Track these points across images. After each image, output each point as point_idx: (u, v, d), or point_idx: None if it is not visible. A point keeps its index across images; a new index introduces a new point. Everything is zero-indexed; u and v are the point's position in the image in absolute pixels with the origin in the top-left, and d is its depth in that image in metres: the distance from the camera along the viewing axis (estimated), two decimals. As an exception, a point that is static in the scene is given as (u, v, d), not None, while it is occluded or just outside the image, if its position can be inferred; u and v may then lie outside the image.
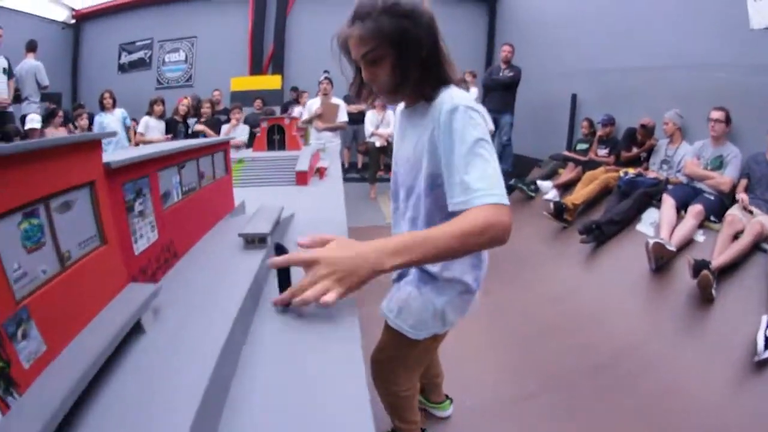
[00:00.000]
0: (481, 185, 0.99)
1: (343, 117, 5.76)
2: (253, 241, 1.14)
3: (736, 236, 3.14)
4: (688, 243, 3.46)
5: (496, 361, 2.83)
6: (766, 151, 3.53)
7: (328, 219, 1.68)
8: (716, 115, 3.81)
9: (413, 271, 1.39)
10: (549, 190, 5.40)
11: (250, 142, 4.99)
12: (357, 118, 6.81)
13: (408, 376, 1.62)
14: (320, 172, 2.82)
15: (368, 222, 5.27)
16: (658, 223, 3.75)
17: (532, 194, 5.64)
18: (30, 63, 6.29)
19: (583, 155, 5.59)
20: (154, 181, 0.93)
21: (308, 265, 0.89)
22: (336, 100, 5.71)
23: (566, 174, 5.48)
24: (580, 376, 2.65)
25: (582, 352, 2.88)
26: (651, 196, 4.10)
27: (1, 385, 0.51)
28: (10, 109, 5.88)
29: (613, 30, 5.72)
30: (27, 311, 0.56)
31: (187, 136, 6.36)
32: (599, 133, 5.53)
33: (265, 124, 3.25)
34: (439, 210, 1.18)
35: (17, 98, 6.12)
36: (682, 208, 3.71)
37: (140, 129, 6.06)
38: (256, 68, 9.70)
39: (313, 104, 5.80)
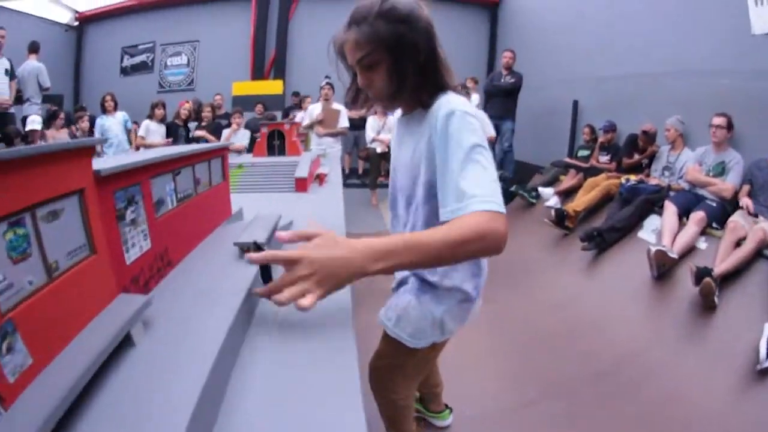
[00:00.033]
0: (477, 192, 0.95)
1: (344, 123, 5.75)
2: (248, 250, 1.12)
3: (738, 243, 3.12)
4: (690, 250, 3.43)
5: (497, 369, 2.81)
6: (769, 157, 3.51)
7: (327, 227, 1.65)
8: (718, 121, 3.79)
9: (412, 280, 1.37)
10: (550, 197, 5.38)
11: (251, 147, 4.99)
12: (358, 124, 6.80)
13: (406, 385, 1.60)
14: (320, 179, 2.81)
15: (369, 228, 5.24)
16: (659, 230, 3.72)
17: (534, 201, 5.62)
18: (32, 64, 6.31)
19: (585, 162, 5.57)
20: (147, 189, 0.91)
21: (288, 264, 0.84)
22: (337, 106, 5.69)
23: (567, 181, 5.46)
24: (581, 384, 2.63)
25: (583, 360, 2.86)
26: (653, 203, 4.08)
27: (-14, 400, 0.49)
28: (12, 110, 5.90)
29: (615, 36, 5.72)
30: (12, 324, 0.55)
31: (187, 140, 6.36)
32: (601, 139, 5.51)
33: (265, 130, 3.24)
34: (437, 218, 1.16)
35: (19, 99, 6.13)
36: (684, 214, 3.69)
37: (141, 132, 6.06)
38: (258, 73, 9.72)
39: (314, 110, 5.79)
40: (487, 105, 6.73)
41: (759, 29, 3.80)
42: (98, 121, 6.17)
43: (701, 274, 2.91)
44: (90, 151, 0.72)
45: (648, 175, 4.70)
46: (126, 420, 0.59)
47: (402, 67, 1.09)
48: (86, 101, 8.87)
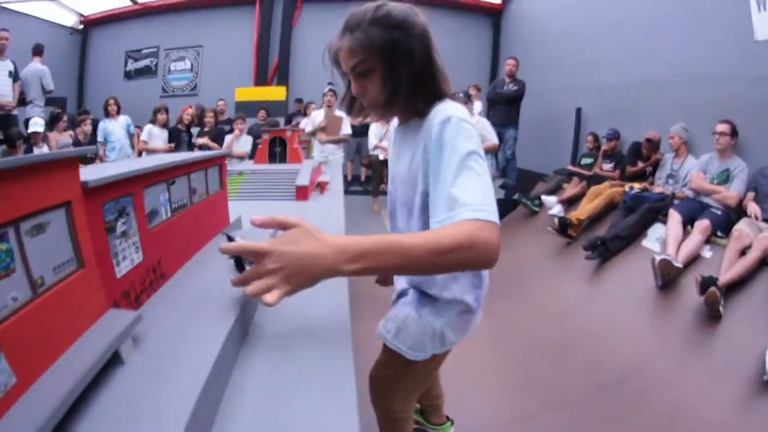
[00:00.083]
0: (469, 200, 0.90)
1: (346, 129, 5.74)
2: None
3: (743, 252, 3.09)
4: (694, 259, 3.41)
5: (499, 380, 2.78)
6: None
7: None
8: (721, 128, 3.77)
9: (411, 292, 1.35)
10: (553, 205, 5.35)
11: (254, 153, 4.98)
12: (360, 131, 6.80)
13: (406, 396, 1.57)
14: (321, 187, 2.79)
15: (371, 235, 5.23)
16: (664, 239, 3.70)
17: (537, 209, 5.59)
18: (35, 67, 6.33)
19: (588, 170, 5.54)
20: (139, 200, 0.89)
21: (257, 256, 0.78)
22: (340, 113, 5.68)
23: (571, 189, 5.43)
24: (584, 395, 2.60)
25: (587, 370, 2.83)
26: (657, 212, 4.05)
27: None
28: (15, 112, 5.92)
29: (618, 44, 5.71)
30: (-5, 342, 0.52)
31: (190, 145, 6.36)
32: (604, 147, 5.49)
33: (266, 136, 3.23)
34: None
35: (22, 102, 6.16)
36: (688, 223, 3.66)
37: (143, 137, 6.07)
38: (261, 79, 9.75)
39: (316, 116, 5.79)
40: (489, 112, 6.72)
41: (762, 35, 3.79)
42: (101, 125, 6.18)
43: (706, 283, 2.89)
44: (77, 162, 0.70)
45: (652, 183, 4.67)
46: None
47: (396, 75, 1.07)
48: (90, 104, 8.92)
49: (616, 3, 5.84)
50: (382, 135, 6.54)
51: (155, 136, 6.08)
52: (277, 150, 3.19)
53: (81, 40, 10.34)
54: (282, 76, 9.74)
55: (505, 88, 6.60)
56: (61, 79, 7.71)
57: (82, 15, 10.08)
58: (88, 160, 5.73)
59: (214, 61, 10.02)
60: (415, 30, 1.05)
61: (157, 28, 10.14)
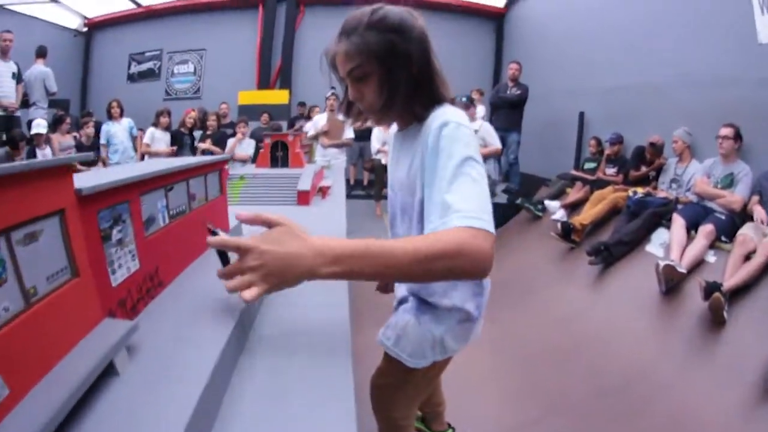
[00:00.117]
0: (463, 207, 0.87)
1: (349, 134, 5.74)
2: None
3: (748, 256, 3.07)
4: (698, 264, 3.39)
5: (501, 386, 2.76)
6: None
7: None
8: (725, 131, 3.75)
9: (411, 299, 1.33)
10: (556, 210, 5.34)
11: (256, 157, 4.99)
12: (363, 135, 6.79)
13: (407, 404, 1.56)
14: (323, 192, 2.78)
15: (373, 239, 5.23)
16: (668, 244, 3.68)
17: (540, 214, 5.59)
18: (39, 69, 6.37)
19: (591, 174, 5.53)
20: (136, 207, 0.87)
21: (239, 252, 0.79)
22: (342, 117, 5.67)
23: (574, 193, 5.42)
24: (587, 400, 2.60)
25: (590, 375, 2.82)
26: (661, 216, 4.03)
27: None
28: (18, 113, 5.94)
29: (621, 47, 5.70)
30: (-13, 353, 0.51)
31: (192, 148, 6.37)
32: (607, 151, 5.48)
33: (268, 140, 3.22)
34: None
35: (25, 103, 6.19)
36: (692, 228, 3.64)
37: (146, 140, 6.08)
38: (264, 82, 9.77)
39: (319, 120, 5.79)
40: (492, 117, 6.72)
41: (765, 38, 3.78)
42: (104, 128, 6.21)
43: (710, 288, 2.87)
44: (71, 170, 0.68)
45: (655, 188, 4.66)
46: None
47: (393, 79, 1.05)
48: (93, 107, 8.96)
49: (618, 7, 5.84)
50: (384, 139, 6.54)
51: (158, 139, 6.09)
52: (279, 154, 3.18)
53: (84, 42, 10.40)
54: (285, 80, 9.76)
55: (508, 92, 6.60)
56: (64, 81, 7.74)
57: (85, 17, 10.14)
58: (90, 162, 5.76)
59: (217, 64, 10.05)
60: (413, 33, 1.04)
61: (161, 31, 10.19)
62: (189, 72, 10.29)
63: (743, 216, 3.58)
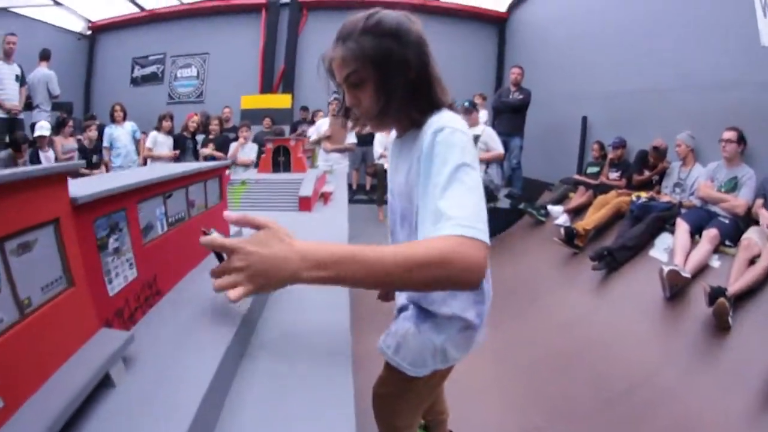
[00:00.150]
0: (456, 214, 0.85)
1: (351, 138, 5.74)
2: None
3: (752, 261, 3.05)
4: (703, 268, 3.36)
5: (504, 393, 2.75)
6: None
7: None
8: (728, 135, 3.74)
9: (411, 307, 1.32)
10: (559, 215, 5.32)
11: (259, 161, 4.99)
12: (366, 140, 6.80)
13: (409, 413, 1.54)
14: (325, 197, 2.77)
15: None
16: (671, 249, 3.67)
17: (543, 219, 5.57)
18: (42, 72, 6.40)
19: (594, 179, 5.52)
20: (133, 215, 0.86)
21: (226, 252, 0.81)
22: (345, 122, 5.68)
23: (577, 198, 5.41)
24: (591, 406, 2.58)
25: (593, 381, 2.80)
26: (664, 221, 4.01)
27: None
28: (21, 116, 5.96)
29: (623, 51, 5.70)
30: (-20, 365, 0.50)
31: (195, 152, 6.37)
32: (610, 156, 5.46)
33: (270, 145, 3.21)
34: None
35: (28, 106, 6.21)
36: (696, 232, 3.62)
37: (149, 144, 6.08)
38: (267, 87, 9.80)
39: (322, 125, 5.79)
40: (495, 121, 6.72)
41: (768, 40, 3.76)
42: (107, 131, 6.23)
43: (715, 294, 2.85)
44: (65, 178, 0.67)
45: (659, 192, 4.63)
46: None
47: (390, 84, 1.04)
48: (96, 110, 8.99)
49: (620, 11, 5.84)
50: (387, 144, 6.54)
51: (160, 143, 6.10)
52: (281, 159, 3.17)
53: (88, 45, 10.45)
54: (288, 84, 9.79)
55: (510, 96, 6.59)
56: (67, 85, 7.78)
57: (89, 21, 10.20)
58: (93, 166, 5.78)
59: (220, 68, 10.09)
60: (409, 37, 1.03)
61: (164, 35, 10.23)
62: (192, 76, 10.33)
63: (747, 220, 3.55)
